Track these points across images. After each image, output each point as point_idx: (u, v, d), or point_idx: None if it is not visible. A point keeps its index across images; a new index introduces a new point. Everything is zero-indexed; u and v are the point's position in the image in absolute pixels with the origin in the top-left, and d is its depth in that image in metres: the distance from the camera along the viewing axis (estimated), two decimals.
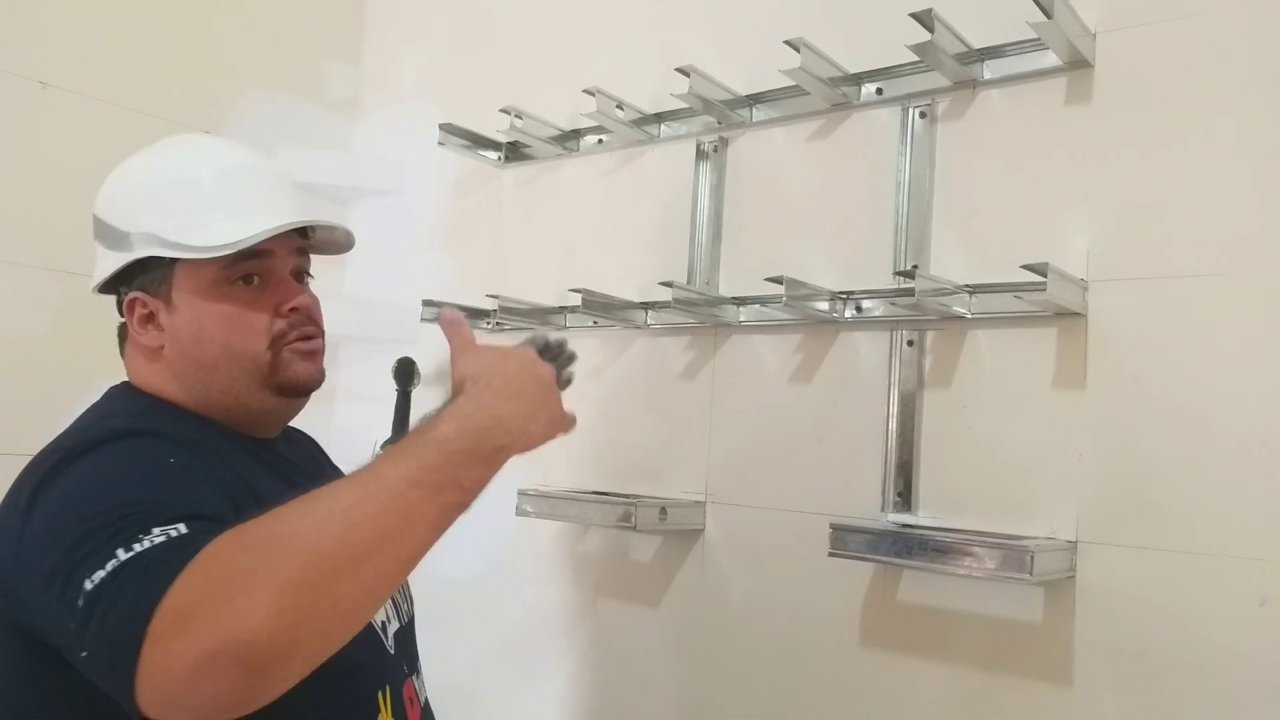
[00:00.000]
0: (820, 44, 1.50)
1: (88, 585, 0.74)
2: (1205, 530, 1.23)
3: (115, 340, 1.10)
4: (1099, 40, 1.36)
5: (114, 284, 1.06)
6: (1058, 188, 1.38)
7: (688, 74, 1.58)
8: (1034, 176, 1.40)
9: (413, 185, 2.21)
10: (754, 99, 1.67)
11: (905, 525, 1.42)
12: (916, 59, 1.43)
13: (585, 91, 1.71)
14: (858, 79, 1.56)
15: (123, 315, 1.07)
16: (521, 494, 1.74)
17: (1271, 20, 1.24)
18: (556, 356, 1.12)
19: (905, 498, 1.46)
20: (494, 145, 2.02)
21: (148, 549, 0.75)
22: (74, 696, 0.81)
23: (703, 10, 1.78)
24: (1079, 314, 1.34)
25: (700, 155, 1.73)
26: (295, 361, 1.06)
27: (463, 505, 0.82)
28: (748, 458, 1.63)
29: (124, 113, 1.96)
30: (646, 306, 1.74)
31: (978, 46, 1.43)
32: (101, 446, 0.88)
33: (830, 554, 1.35)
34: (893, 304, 1.41)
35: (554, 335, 1.15)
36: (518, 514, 1.70)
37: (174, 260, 1.01)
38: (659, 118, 1.79)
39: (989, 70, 1.45)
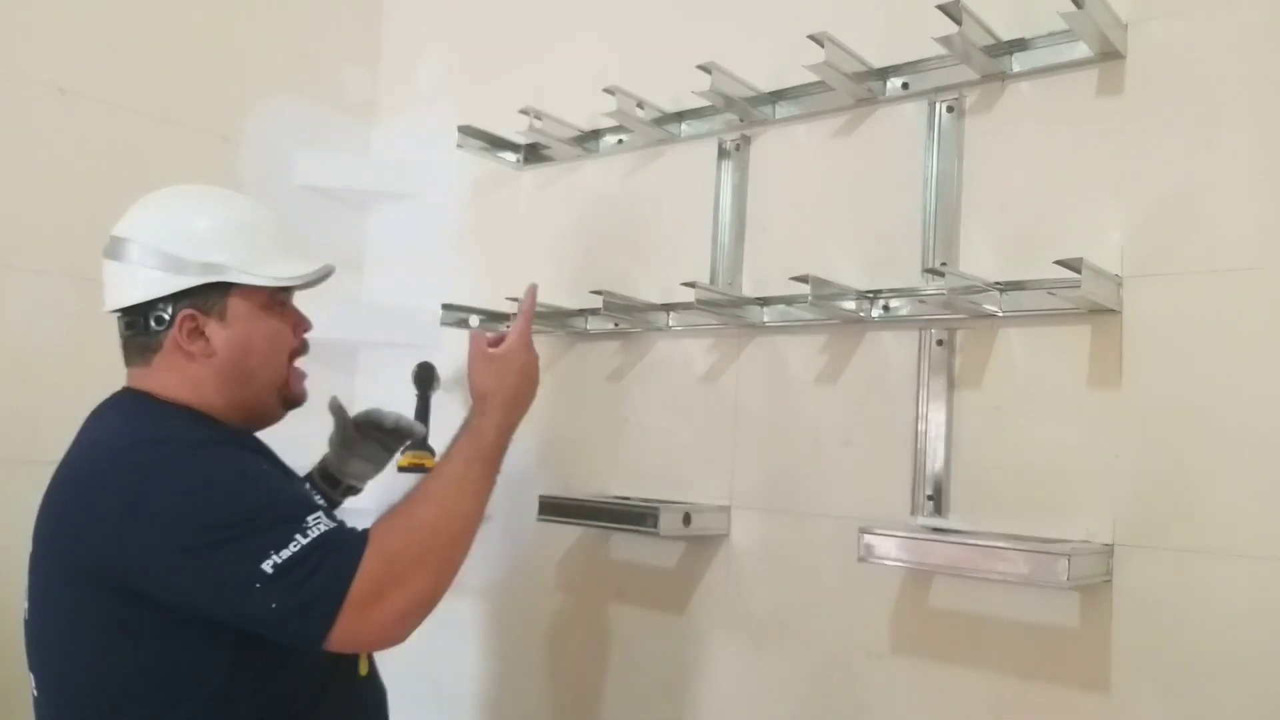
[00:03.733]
0: (844, 38, 1.47)
1: (275, 557, 1.05)
2: (1247, 532, 1.19)
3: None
4: (1130, 30, 1.33)
5: (150, 303, 1.23)
6: (1090, 182, 1.35)
7: (709, 71, 1.56)
8: (1065, 170, 1.37)
9: (431, 188, 2.19)
10: (776, 96, 1.64)
11: (936, 529, 1.39)
12: (943, 52, 1.41)
13: (605, 91, 1.69)
14: (883, 73, 1.53)
15: (148, 328, 1.23)
16: (543, 500, 1.71)
17: None
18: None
19: (936, 501, 1.42)
20: (513, 147, 2.00)
21: (322, 534, 1.09)
22: (168, 634, 1.11)
23: (723, 6, 1.75)
24: (1114, 310, 1.30)
25: (722, 154, 1.71)
26: (296, 379, 1.33)
27: (495, 479, 1.27)
28: (773, 461, 1.60)
29: (143, 119, 1.96)
30: (668, 308, 1.72)
31: (1006, 39, 1.40)
32: (202, 450, 1.15)
33: (860, 559, 1.32)
34: (922, 302, 1.37)
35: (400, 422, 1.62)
36: (539, 520, 1.68)
37: (230, 285, 1.24)
38: (679, 116, 1.76)
39: (1018, 63, 1.42)
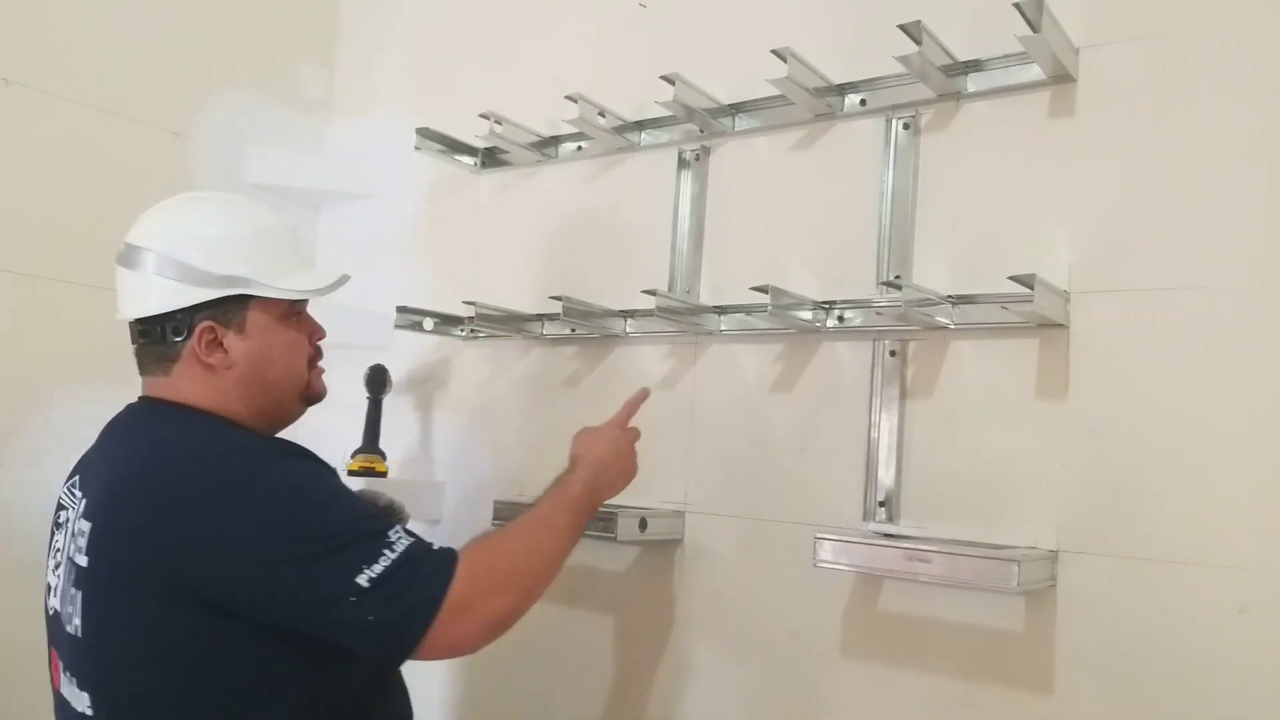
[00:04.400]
0: (804, 54, 1.50)
1: (368, 572, 1.08)
2: (1185, 540, 1.24)
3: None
4: (1082, 55, 1.38)
5: (168, 314, 1.22)
6: (1040, 200, 1.39)
7: (672, 81, 1.58)
8: (1017, 189, 1.42)
9: (387, 190, 2.18)
10: (736, 108, 1.67)
11: (888, 535, 1.42)
12: (900, 71, 1.45)
13: (568, 98, 1.70)
14: (841, 90, 1.56)
15: (165, 338, 1.23)
16: (497, 504, 1.72)
17: (1249, 38, 1.27)
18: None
19: (887, 507, 1.46)
20: (470, 151, 1.99)
21: (408, 548, 1.13)
22: (251, 644, 1.12)
23: (683, 18, 1.78)
24: (1061, 325, 1.35)
25: (682, 164, 1.73)
26: (317, 379, 1.37)
27: (581, 533, 1.34)
28: (728, 467, 1.62)
29: (90, 112, 1.92)
30: (626, 315, 1.73)
31: (962, 59, 1.44)
32: (281, 462, 1.17)
33: (816, 565, 1.34)
34: (878, 314, 1.41)
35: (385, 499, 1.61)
36: (494, 524, 1.68)
37: (250, 296, 1.25)
38: (639, 125, 1.78)
39: (973, 83, 1.46)
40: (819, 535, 1.35)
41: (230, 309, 1.24)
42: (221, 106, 2.08)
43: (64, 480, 1.29)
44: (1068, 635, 1.31)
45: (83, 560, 1.15)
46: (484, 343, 1.96)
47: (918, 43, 1.35)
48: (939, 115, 1.50)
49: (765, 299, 1.43)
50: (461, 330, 1.93)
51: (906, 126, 1.51)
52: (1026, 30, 1.29)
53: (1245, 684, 1.19)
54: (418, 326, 1.88)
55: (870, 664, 1.45)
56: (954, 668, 1.38)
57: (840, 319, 1.53)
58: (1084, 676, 1.29)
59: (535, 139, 1.88)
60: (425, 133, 1.92)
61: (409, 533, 1.17)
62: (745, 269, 1.63)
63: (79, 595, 1.15)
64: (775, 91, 1.55)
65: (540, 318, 1.84)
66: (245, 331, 1.25)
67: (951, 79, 1.45)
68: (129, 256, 1.25)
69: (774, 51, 1.46)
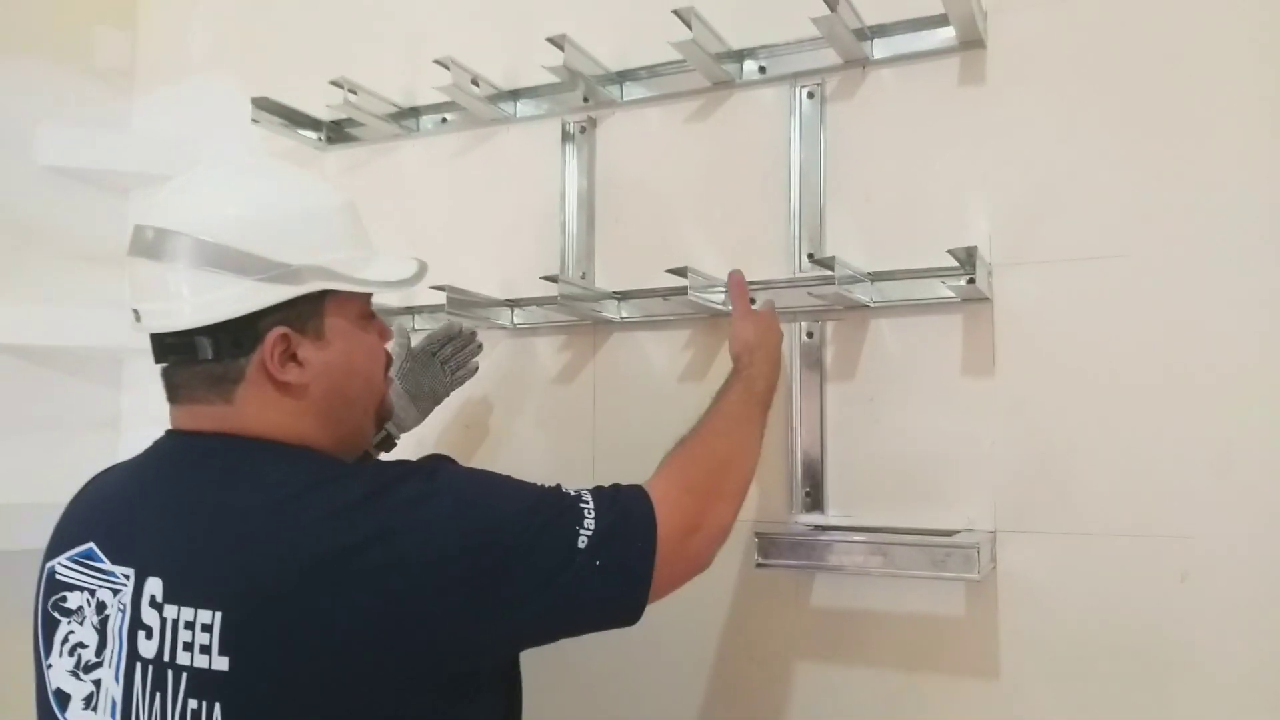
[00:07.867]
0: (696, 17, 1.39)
1: (584, 531, 0.96)
2: (1122, 511, 1.23)
3: None
4: (990, 20, 1.34)
5: (236, 321, 0.95)
6: (956, 170, 1.35)
7: (561, 46, 1.43)
8: (930, 159, 1.36)
9: None
10: (624, 75, 1.54)
11: (818, 526, 1.35)
12: (797, 37, 1.37)
13: (437, 62, 1.51)
14: (739, 55, 1.46)
15: (225, 353, 0.96)
16: None
17: (1159, 2, 1.26)
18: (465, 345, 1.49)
19: (814, 496, 1.39)
20: (314, 124, 1.77)
21: (598, 494, 1.02)
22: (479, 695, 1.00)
23: None
24: (985, 298, 1.31)
25: (566, 136, 1.58)
26: (388, 393, 1.13)
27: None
28: (637, 464, 1.47)
29: None
30: (513, 304, 1.58)
31: (868, 23, 1.37)
32: (436, 477, 0.96)
33: (759, 565, 1.25)
34: (811, 294, 1.32)
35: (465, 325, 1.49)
36: None
37: (325, 294, 0.99)
38: (515, 95, 1.62)
39: (879, 49, 1.40)
40: (759, 532, 1.26)
41: (304, 310, 0.98)
42: (3, 76, 1.76)
43: (53, 548, 1.00)
44: (1011, 617, 1.28)
45: (212, 662, 0.86)
46: None
47: (832, 7, 1.27)
48: (845, 83, 1.43)
49: (681, 282, 1.32)
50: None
51: (811, 95, 1.44)
52: None
53: (1192, 650, 1.19)
54: None
55: (806, 662, 1.38)
56: (896, 659, 1.33)
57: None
58: (1030, 658, 1.27)
59: (394, 110, 1.68)
60: (263, 104, 1.67)
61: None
62: (643, 251, 1.51)
63: (208, 706, 0.87)
64: (665, 58, 1.44)
65: (410, 311, 1.65)
66: (324, 337, 1.00)
67: (859, 44, 1.38)
68: (157, 246, 0.95)
69: (675, 12, 1.34)
